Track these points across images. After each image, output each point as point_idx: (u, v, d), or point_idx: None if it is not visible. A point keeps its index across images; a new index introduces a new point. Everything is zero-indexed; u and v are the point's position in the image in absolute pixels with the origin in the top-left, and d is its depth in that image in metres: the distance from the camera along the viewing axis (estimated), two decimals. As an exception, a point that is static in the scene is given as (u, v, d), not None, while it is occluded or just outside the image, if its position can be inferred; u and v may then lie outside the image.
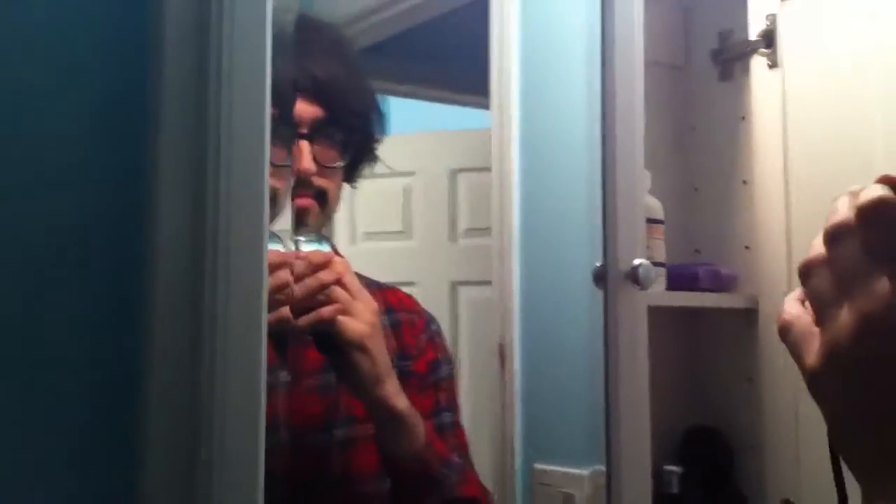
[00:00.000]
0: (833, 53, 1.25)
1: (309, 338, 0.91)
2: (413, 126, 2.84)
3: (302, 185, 0.97)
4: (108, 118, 0.78)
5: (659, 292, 1.26)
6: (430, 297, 2.45)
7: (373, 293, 1.06)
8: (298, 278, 0.89)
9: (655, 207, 1.28)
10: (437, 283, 2.45)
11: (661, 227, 1.28)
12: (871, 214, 0.41)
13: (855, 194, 0.43)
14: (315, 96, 0.98)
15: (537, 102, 1.39)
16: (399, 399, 0.92)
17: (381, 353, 0.91)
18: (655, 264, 1.26)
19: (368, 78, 1.09)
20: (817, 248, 0.44)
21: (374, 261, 2.41)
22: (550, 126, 1.37)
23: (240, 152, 0.78)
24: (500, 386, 1.44)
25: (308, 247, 0.93)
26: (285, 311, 0.89)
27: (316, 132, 0.98)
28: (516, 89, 1.41)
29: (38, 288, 0.76)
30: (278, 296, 0.88)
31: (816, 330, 0.43)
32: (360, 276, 1.06)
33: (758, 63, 1.33)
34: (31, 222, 0.75)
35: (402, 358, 1.05)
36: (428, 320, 1.12)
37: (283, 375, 0.96)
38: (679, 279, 1.30)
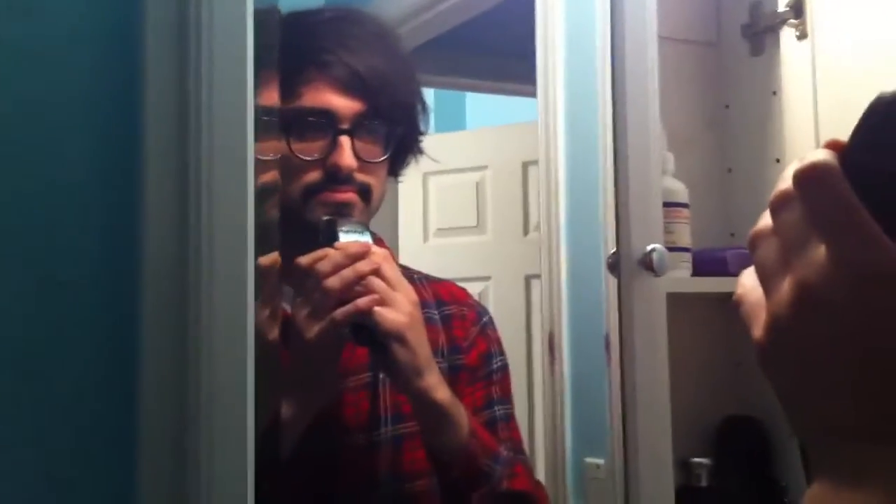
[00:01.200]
0: (863, 21, 1.18)
1: (347, 331, 0.91)
2: (486, 120, 2.83)
3: (344, 180, 0.97)
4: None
5: (682, 278, 1.22)
6: (504, 291, 2.45)
7: (423, 287, 1.07)
8: (335, 269, 0.89)
9: (677, 190, 1.24)
10: (511, 277, 2.44)
11: (684, 211, 1.24)
12: (805, 181, 0.39)
13: (801, 161, 0.41)
14: (356, 90, 0.97)
15: (582, 93, 1.36)
16: (440, 390, 0.92)
17: (420, 344, 0.90)
18: (679, 249, 1.23)
19: (413, 71, 1.08)
20: (766, 218, 0.43)
21: (448, 256, 2.42)
22: (594, 117, 1.34)
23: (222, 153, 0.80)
24: (549, 379, 1.43)
25: (348, 237, 0.93)
26: (327, 304, 0.88)
27: (357, 127, 0.97)
28: (561, 80, 1.39)
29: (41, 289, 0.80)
30: (316, 291, 0.89)
31: (765, 303, 0.42)
32: (409, 270, 1.07)
33: (787, 35, 1.27)
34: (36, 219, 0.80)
35: (452, 351, 1.05)
36: (479, 312, 1.11)
37: None
38: (706, 264, 1.25)
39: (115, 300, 0.83)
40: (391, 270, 0.92)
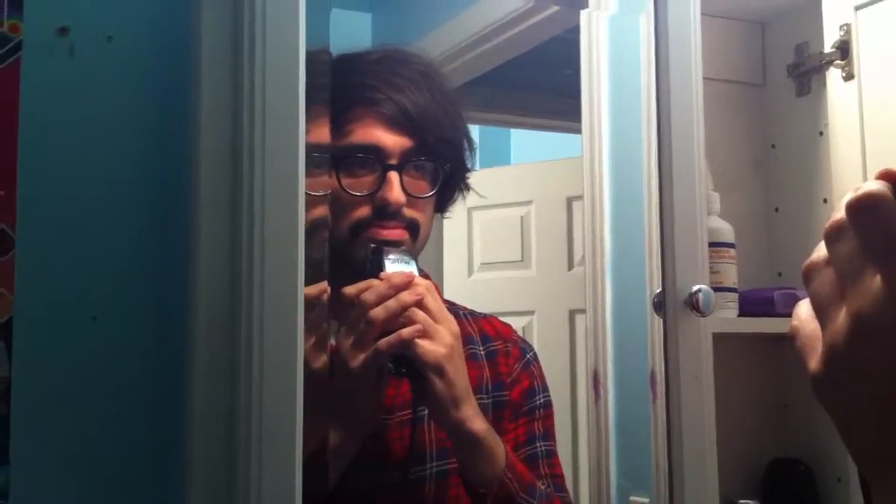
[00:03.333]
0: (910, 61, 1.18)
1: (389, 364, 0.92)
2: (530, 155, 2.85)
3: (392, 215, 0.98)
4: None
5: (728, 319, 1.22)
6: (548, 326, 2.44)
7: (468, 322, 1.08)
8: (380, 300, 0.90)
9: (723, 230, 1.24)
10: (555, 312, 2.43)
11: (730, 251, 1.24)
12: (858, 211, 0.40)
13: (855, 191, 0.42)
14: (404, 127, 0.99)
15: (627, 130, 1.37)
16: (476, 421, 0.92)
17: (459, 377, 0.91)
18: (725, 290, 1.22)
19: (460, 107, 1.09)
20: (820, 249, 0.43)
21: (492, 291, 2.43)
22: (639, 154, 1.35)
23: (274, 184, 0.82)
24: (594, 416, 1.42)
25: (395, 266, 0.94)
26: (371, 334, 0.89)
27: (406, 163, 0.99)
28: (606, 117, 1.40)
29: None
30: (361, 321, 0.89)
31: (820, 334, 0.42)
32: (454, 306, 1.09)
33: (834, 75, 1.27)
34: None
35: (496, 388, 1.05)
36: (523, 349, 1.11)
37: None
38: (753, 304, 1.24)
39: (166, 332, 0.86)
40: (434, 302, 0.92)
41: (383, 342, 0.89)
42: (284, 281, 0.82)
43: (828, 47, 1.28)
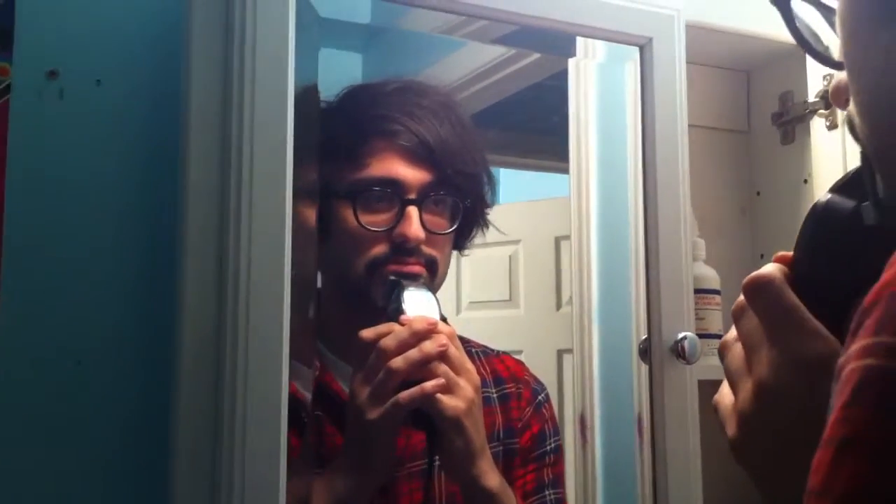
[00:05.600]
0: (893, 112, 1.19)
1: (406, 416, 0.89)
2: (519, 194, 2.86)
3: (410, 252, 0.95)
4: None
5: (714, 366, 1.20)
6: (536, 366, 2.43)
7: (481, 362, 1.06)
8: (401, 348, 0.87)
9: (709, 277, 1.24)
10: (543, 351, 2.42)
11: (716, 298, 1.24)
12: (751, 293, 0.46)
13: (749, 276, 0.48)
14: (424, 160, 0.96)
15: (614, 172, 1.38)
16: (491, 477, 0.90)
17: (476, 431, 0.88)
18: (710, 336, 1.22)
19: (479, 141, 1.06)
20: (732, 328, 0.48)
21: (480, 330, 2.42)
22: (626, 196, 1.36)
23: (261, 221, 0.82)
24: (581, 459, 1.41)
25: (415, 297, 0.92)
26: (390, 384, 0.85)
27: (425, 198, 0.96)
28: (594, 158, 1.41)
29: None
30: (380, 370, 0.86)
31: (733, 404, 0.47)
32: (467, 343, 1.05)
33: (817, 124, 1.29)
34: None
35: (507, 434, 1.03)
36: (535, 390, 1.10)
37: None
38: (738, 351, 1.24)
39: (151, 379, 0.85)
40: (456, 352, 0.89)
41: (405, 396, 0.86)
42: (270, 333, 0.82)
43: (812, 97, 1.30)
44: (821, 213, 0.45)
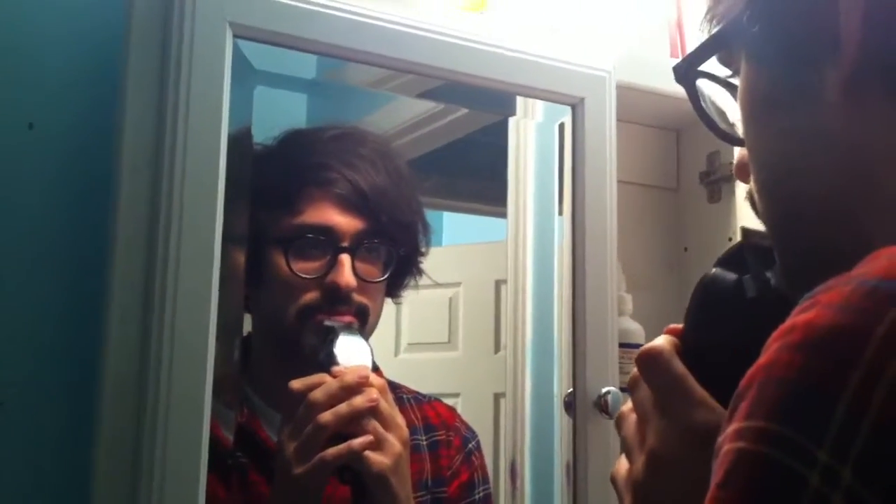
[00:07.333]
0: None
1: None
2: (462, 237, 2.88)
3: (342, 300, 0.95)
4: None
5: (637, 418, 1.24)
6: (473, 409, 2.44)
7: (412, 408, 1.05)
8: (331, 401, 0.86)
9: (634, 331, 1.27)
10: (480, 395, 2.43)
11: (641, 351, 1.27)
12: (642, 365, 0.47)
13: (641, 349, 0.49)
14: (358, 208, 0.96)
15: (550, 219, 1.40)
16: None
17: (402, 487, 0.88)
18: (634, 389, 1.25)
19: (416, 190, 1.06)
20: (628, 399, 0.50)
21: (418, 372, 2.42)
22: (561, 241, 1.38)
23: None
24: (511, 506, 1.42)
25: (347, 341, 0.91)
26: (319, 439, 0.84)
27: (358, 246, 0.96)
28: (531, 205, 1.43)
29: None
30: (308, 423, 0.84)
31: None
32: (397, 388, 1.04)
33: (742, 185, 1.33)
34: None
35: (436, 483, 1.03)
36: (465, 438, 1.09)
37: None
38: (662, 404, 1.27)
39: (74, 420, 0.85)
40: (387, 406, 0.88)
41: (331, 453, 0.85)
42: (192, 378, 0.82)
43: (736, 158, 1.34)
44: (707, 286, 0.47)
